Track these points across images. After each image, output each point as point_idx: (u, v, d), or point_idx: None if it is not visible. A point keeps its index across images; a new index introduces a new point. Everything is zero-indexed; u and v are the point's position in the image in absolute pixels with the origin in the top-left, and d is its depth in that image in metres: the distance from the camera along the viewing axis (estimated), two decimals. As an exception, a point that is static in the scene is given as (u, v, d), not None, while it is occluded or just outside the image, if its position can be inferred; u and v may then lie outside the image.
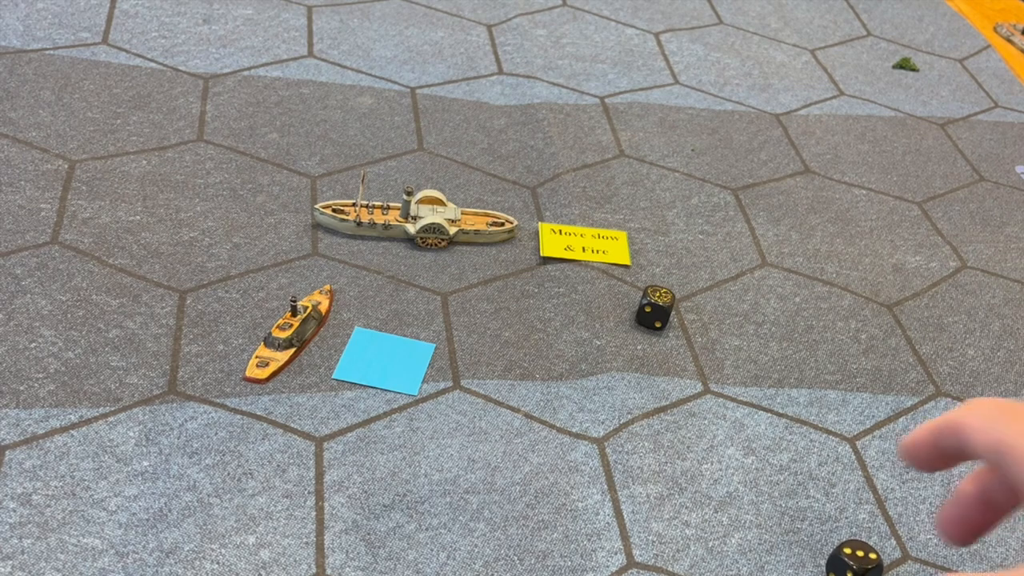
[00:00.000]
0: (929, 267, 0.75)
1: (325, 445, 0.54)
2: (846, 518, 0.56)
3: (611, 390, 0.60)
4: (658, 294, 0.64)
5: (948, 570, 0.54)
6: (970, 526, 0.40)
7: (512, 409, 0.58)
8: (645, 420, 0.59)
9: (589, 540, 0.52)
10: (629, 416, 0.59)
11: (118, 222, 0.65)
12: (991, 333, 0.70)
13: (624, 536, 0.52)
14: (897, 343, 0.68)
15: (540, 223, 0.71)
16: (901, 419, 0.62)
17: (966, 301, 0.73)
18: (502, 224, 0.69)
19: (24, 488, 0.49)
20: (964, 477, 0.47)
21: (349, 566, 0.49)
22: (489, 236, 0.69)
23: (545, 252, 0.69)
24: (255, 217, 0.67)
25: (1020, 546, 0.56)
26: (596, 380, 0.61)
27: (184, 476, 0.51)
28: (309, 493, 0.52)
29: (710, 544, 0.53)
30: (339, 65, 0.83)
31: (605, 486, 0.55)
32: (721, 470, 0.57)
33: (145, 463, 0.51)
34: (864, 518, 0.56)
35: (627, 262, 0.69)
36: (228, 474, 0.52)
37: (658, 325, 0.64)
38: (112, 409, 0.54)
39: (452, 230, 0.67)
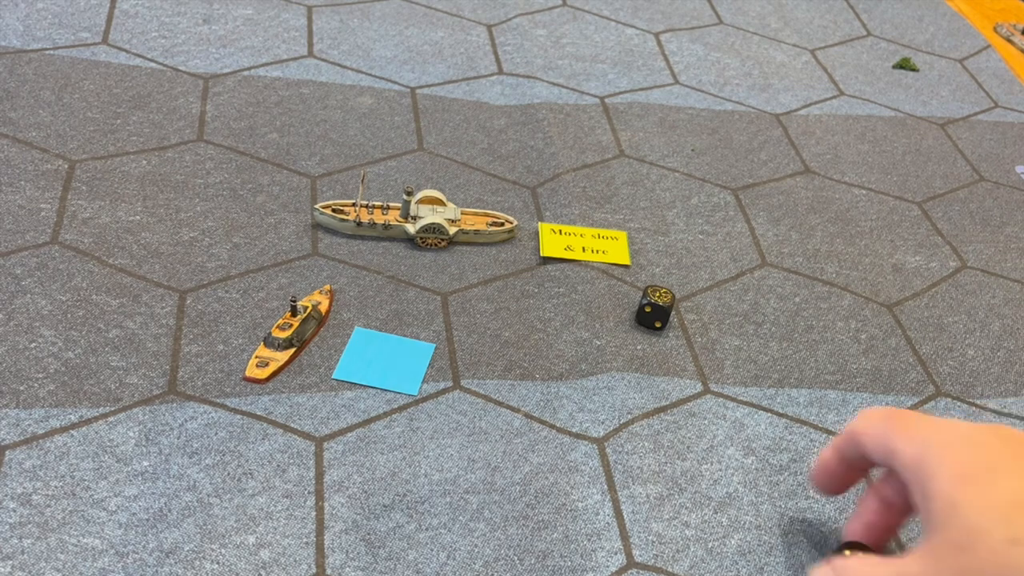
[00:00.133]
0: (929, 267, 0.75)
1: (325, 445, 0.54)
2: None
3: (611, 390, 0.60)
4: (658, 294, 0.64)
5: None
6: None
7: (512, 409, 0.58)
8: (645, 420, 0.59)
9: (589, 540, 0.52)
10: (629, 416, 0.59)
11: (118, 222, 0.65)
12: (991, 333, 0.70)
13: (624, 536, 0.52)
14: (897, 343, 0.68)
15: (540, 223, 0.71)
16: (901, 419, 0.62)
17: (966, 301, 0.73)
18: (502, 224, 0.69)
19: (24, 488, 0.49)
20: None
21: (349, 566, 0.49)
22: (489, 236, 0.69)
23: (545, 252, 0.69)
24: (255, 217, 0.67)
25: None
26: (596, 380, 0.61)
27: (184, 476, 0.51)
28: (309, 493, 0.52)
29: (710, 545, 0.53)
30: (339, 65, 0.83)
31: (605, 486, 0.55)
32: (721, 470, 0.57)
33: (145, 463, 0.51)
34: (864, 518, 0.56)
35: (627, 262, 0.69)
36: (228, 474, 0.52)
37: (658, 325, 0.64)
38: (112, 409, 0.54)
39: (452, 230, 0.67)
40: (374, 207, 0.68)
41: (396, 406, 0.57)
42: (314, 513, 0.51)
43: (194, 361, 0.57)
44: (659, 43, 0.96)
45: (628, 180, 0.78)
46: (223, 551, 0.48)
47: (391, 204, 0.68)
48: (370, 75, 0.83)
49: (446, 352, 0.61)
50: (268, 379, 0.57)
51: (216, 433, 0.53)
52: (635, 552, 0.52)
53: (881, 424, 0.47)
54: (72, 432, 0.52)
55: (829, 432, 0.61)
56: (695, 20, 1.01)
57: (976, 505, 0.41)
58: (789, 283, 0.71)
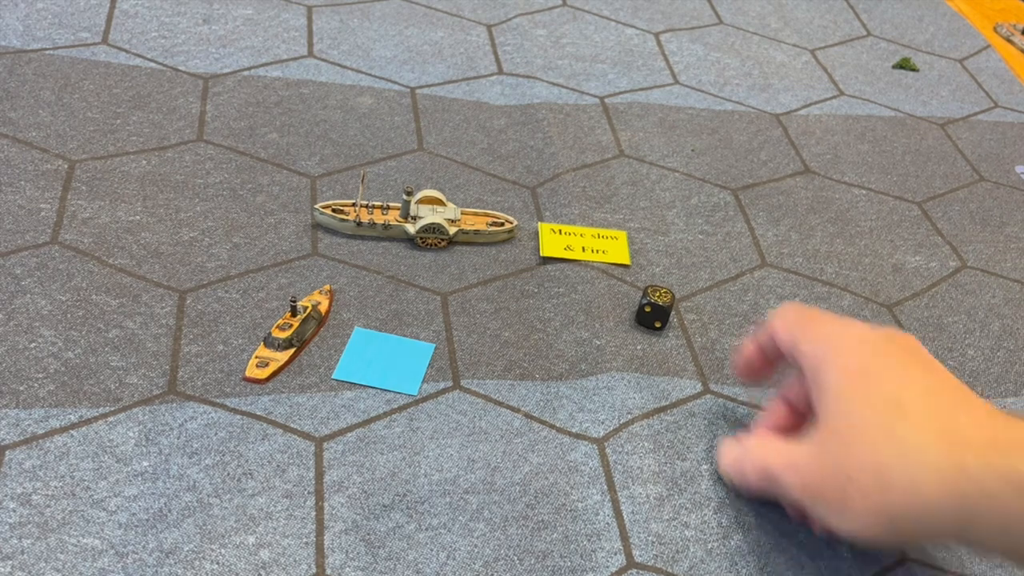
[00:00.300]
0: (929, 267, 0.75)
1: (325, 445, 0.54)
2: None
3: (611, 390, 0.60)
4: (658, 294, 0.64)
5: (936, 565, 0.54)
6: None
7: (512, 409, 0.58)
8: (645, 420, 0.59)
9: (589, 540, 0.52)
10: (629, 416, 0.59)
11: (118, 222, 0.65)
12: (991, 333, 0.70)
13: (624, 536, 0.52)
14: (897, 343, 0.68)
15: (540, 223, 0.71)
16: (901, 419, 0.62)
17: (966, 301, 0.73)
18: (502, 224, 0.69)
19: (24, 488, 0.49)
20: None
21: (349, 566, 0.49)
22: (489, 236, 0.69)
23: (545, 252, 0.69)
24: (255, 217, 0.67)
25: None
26: (596, 380, 0.61)
27: (184, 476, 0.51)
28: (309, 493, 0.52)
29: (710, 545, 0.53)
30: (339, 65, 0.83)
31: (605, 486, 0.55)
32: (721, 470, 0.57)
33: (145, 463, 0.51)
34: (864, 518, 0.56)
35: (627, 262, 0.70)
36: (228, 474, 0.52)
37: (658, 325, 0.64)
38: (112, 409, 0.54)
39: (452, 230, 0.67)
40: (374, 207, 0.68)
41: (396, 406, 0.57)
42: (314, 513, 0.51)
43: (194, 361, 0.57)
44: (659, 43, 0.96)
45: (628, 180, 0.78)
46: (223, 551, 0.48)
47: (391, 204, 0.68)
48: (370, 75, 0.83)
49: (446, 352, 0.61)
50: (268, 379, 0.57)
51: (216, 433, 0.53)
52: (635, 552, 0.52)
53: (792, 322, 0.53)
54: (72, 432, 0.52)
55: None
56: (695, 20, 1.01)
57: (859, 400, 0.46)
58: (789, 283, 0.71)
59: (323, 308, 0.61)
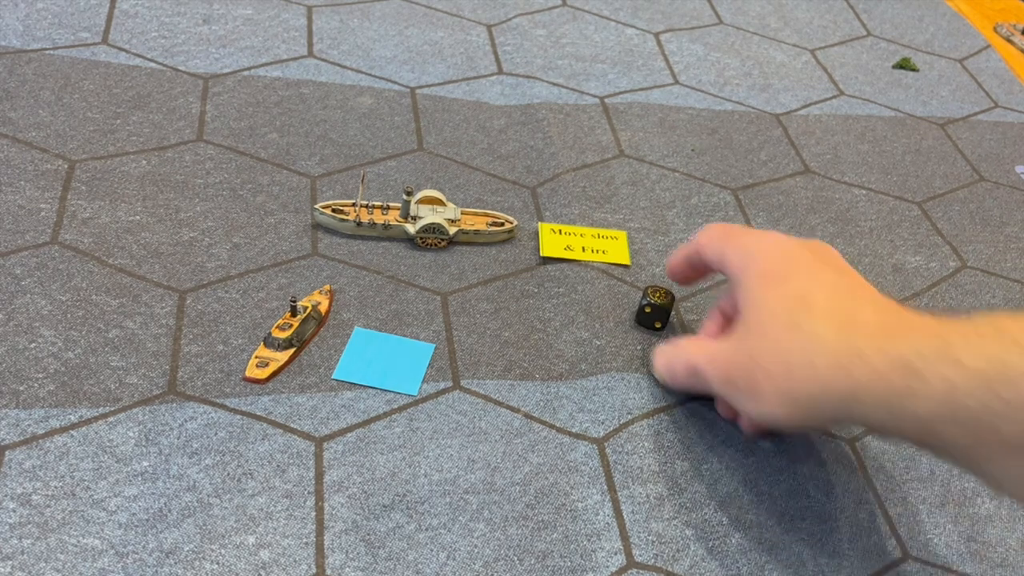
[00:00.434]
0: (929, 267, 0.75)
1: (325, 445, 0.54)
2: (846, 518, 0.56)
3: (611, 390, 0.60)
4: (658, 294, 0.64)
5: (950, 566, 0.54)
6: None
7: (512, 409, 0.58)
8: (645, 420, 0.59)
9: (589, 540, 0.52)
10: (629, 416, 0.59)
11: (118, 222, 0.65)
12: (991, 333, 0.70)
13: (624, 536, 0.52)
14: (897, 343, 0.68)
15: (540, 223, 0.71)
16: (901, 419, 0.62)
17: (966, 301, 0.73)
18: (502, 224, 0.69)
19: (24, 488, 0.49)
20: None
21: (349, 566, 0.49)
22: (489, 236, 0.69)
23: (545, 252, 0.69)
24: (255, 217, 0.67)
25: (1020, 545, 0.56)
26: (596, 380, 0.61)
27: (184, 476, 0.51)
28: (309, 493, 0.52)
29: (710, 544, 0.53)
30: (339, 65, 0.83)
31: (605, 486, 0.55)
32: (721, 470, 0.57)
33: (145, 463, 0.51)
34: (864, 518, 0.56)
35: (627, 262, 0.70)
36: (228, 474, 0.52)
37: (658, 325, 0.64)
38: (112, 409, 0.54)
39: (452, 230, 0.67)
40: (374, 207, 0.68)
41: (396, 406, 0.57)
42: (314, 513, 0.51)
43: (194, 361, 0.57)
44: (659, 43, 0.96)
45: (628, 180, 0.78)
46: (223, 551, 0.48)
47: (391, 204, 0.68)
48: (370, 75, 0.83)
49: (446, 352, 0.61)
50: (268, 379, 0.57)
51: (216, 433, 0.53)
52: (635, 552, 0.52)
53: (717, 238, 0.58)
54: (72, 432, 0.52)
55: (830, 434, 0.61)
56: (695, 20, 1.01)
57: (771, 298, 0.51)
58: (789, 283, 0.71)
59: (323, 308, 0.61)
